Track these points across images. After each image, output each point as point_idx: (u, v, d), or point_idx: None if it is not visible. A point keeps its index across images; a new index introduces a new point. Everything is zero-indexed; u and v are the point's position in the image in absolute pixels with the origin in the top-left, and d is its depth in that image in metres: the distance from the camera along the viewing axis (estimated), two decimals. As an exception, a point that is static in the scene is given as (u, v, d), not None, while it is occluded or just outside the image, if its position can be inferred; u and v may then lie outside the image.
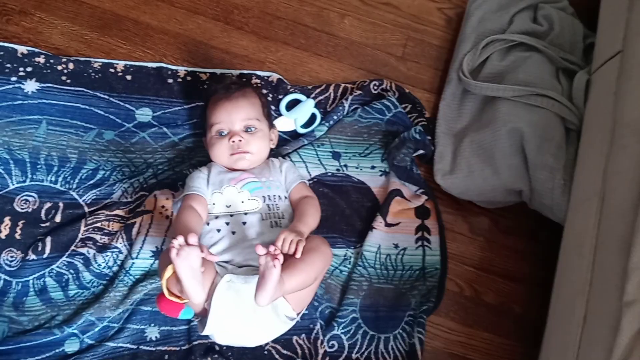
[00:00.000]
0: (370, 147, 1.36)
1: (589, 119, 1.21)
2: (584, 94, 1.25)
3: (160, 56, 1.40)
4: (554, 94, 1.25)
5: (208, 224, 1.12)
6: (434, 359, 1.23)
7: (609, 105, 1.08)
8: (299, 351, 1.17)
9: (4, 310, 1.14)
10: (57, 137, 1.29)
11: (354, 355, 1.19)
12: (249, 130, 1.19)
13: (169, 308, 1.01)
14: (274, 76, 1.40)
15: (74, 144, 1.29)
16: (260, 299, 0.93)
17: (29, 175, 1.25)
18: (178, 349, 1.16)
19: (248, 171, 1.19)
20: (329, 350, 1.18)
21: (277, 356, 1.16)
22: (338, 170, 1.33)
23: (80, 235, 1.21)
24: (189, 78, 1.38)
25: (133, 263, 1.19)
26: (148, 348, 1.16)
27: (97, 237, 1.21)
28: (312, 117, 1.37)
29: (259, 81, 1.39)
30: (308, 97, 1.39)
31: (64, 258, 1.19)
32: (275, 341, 1.14)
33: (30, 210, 1.23)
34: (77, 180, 1.26)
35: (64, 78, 1.33)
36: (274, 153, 1.29)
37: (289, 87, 1.40)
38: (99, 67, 1.35)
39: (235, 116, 1.18)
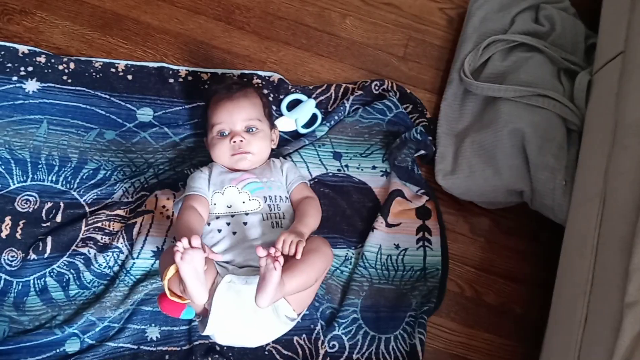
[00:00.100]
0: (372, 147, 1.36)
1: (590, 120, 1.20)
2: (586, 95, 1.24)
3: (162, 56, 1.40)
4: (556, 95, 1.25)
5: (209, 224, 1.12)
6: (434, 360, 1.23)
7: (610, 106, 1.08)
8: (300, 351, 1.17)
9: (4, 310, 1.14)
10: (58, 136, 1.29)
11: (354, 356, 1.18)
12: (250, 130, 1.19)
13: (170, 308, 1.01)
14: (275, 76, 1.40)
15: (75, 144, 1.29)
16: (260, 301, 0.93)
17: (30, 175, 1.25)
18: (179, 349, 1.16)
19: (249, 171, 1.19)
20: (329, 350, 1.18)
21: (277, 356, 1.16)
22: (339, 170, 1.33)
23: (81, 235, 1.21)
24: (190, 78, 1.38)
25: (134, 263, 1.19)
26: (149, 348, 1.16)
27: (98, 237, 1.21)
28: (313, 117, 1.37)
29: (260, 81, 1.39)
30: (309, 97, 1.39)
31: (64, 258, 1.19)
32: (276, 341, 1.14)
33: (31, 210, 1.23)
34: (78, 180, 1.26)
35: (65, 78, 1.33)
36: (275, 153, 1.29)
37: (290, 87, 1.40)
38: (100, 67, 1.35)
39: (237, 116, 1.18)
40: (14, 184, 1.24)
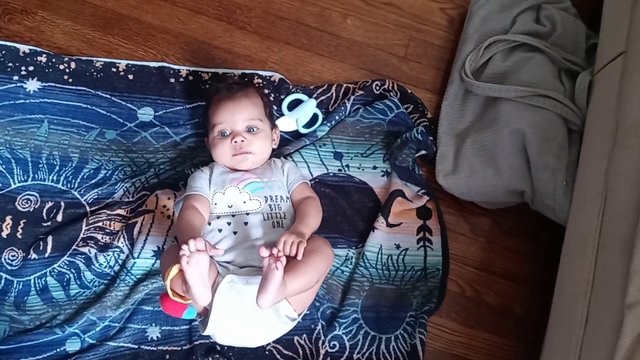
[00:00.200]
0: (372, 147, 1.36)
1: (591, 120, 1.20)
2: (587, 95, 1.24)
3: (162, 56, 1.40)
4: (557, 95, 1.25)
5: (210, 223, 1.12)
6: (435, 360, 1.23)
7: (611, 106, 1.08)
8: (300, 351, 1.17)
9: (5, 310, 1.15)
10: (58, 136, 1.29)
11: (355, 356, 1.19)
12: (252, 130, 1.19)
13: (172, 308, 1.01)
14: (276, 76, 1.40)
15: (75, 144, 1.29)
16: (262, 302, 0.93)
17: (31, 175, 1.25)
18: (179, 348, 1.16)
19: (250, 171, 1.19)
20: (330, 350, 1.18)
21: (278, 356, 1.16)
22: (340, 170, 1.33)
23: (81, 235, 1.21)
24: (191, 78, 1.38)
25: (134, 262, 1.19)
26: (149, 348, 1.16)
27: (99, 236, 1.21)
28: (314, 117, 1.37)
29: (261, 81, 1.39)
30: (310, 97, 1.39)
31: (65, 257, 1.19)
32: (276, 341, 1.14)
33: (31, 209, 1.23)
34: (78, 180, 1.26)
35: (65, 77, 1.33)
36: (275, 153, 1.29)
37: (290, 87, 1.40)
38: (100, 67, 1.35)
39: (238, 116, 1.18)
40: (15, 184, 1.25)
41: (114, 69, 1.36)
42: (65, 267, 1.19)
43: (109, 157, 1.29)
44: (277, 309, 1.04)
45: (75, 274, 1.19)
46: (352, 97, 1.38)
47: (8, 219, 1.21)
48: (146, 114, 1.34)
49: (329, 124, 1.36)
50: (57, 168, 1.27)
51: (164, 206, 1.24)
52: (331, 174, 1.32)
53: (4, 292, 1.16)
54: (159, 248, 1.21)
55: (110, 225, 1.23)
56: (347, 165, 1.34)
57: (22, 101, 1.30)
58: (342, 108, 1.37)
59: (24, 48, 1.34)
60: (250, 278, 1.02)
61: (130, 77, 1.36)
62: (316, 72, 1.44)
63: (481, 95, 1.35)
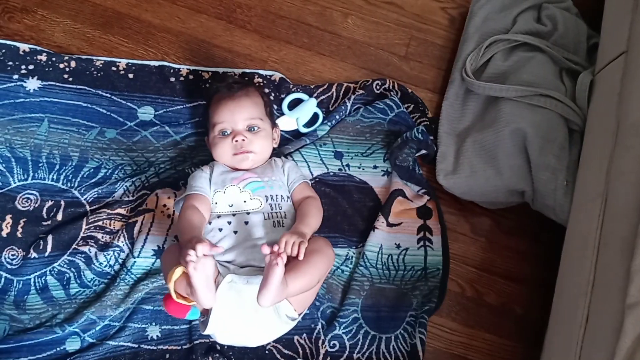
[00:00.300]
0: (373, 146, 1.35)
1: (592, 120, 1.20)
2: (588, 95, 1.24)
3: (163, 54, 1.40)
4: (557, 95, 1.24)
5: (210, 223, 1.12)
6: (435, 360, 1.23)
7: (612, 106, 1.08)
8: (300, 351, 1.17)
9: (5, 309, 1.15)
10: (58, 135, 1.29)
11: (355, 355, 1.18)
12: (252, 129, 1.19)
13: (176, 310, 1.01)
14: (277, 75, 1.40)
15: (75, 142, 1.29)
16: (262, 300, 0.93)
17: (31, 174, 1.25)
18: (179, 348, 1.16)
19: (250, 171, 1.18)
20: (330, 350, 1.18)
21: (278, 356, 1.16)
22: (340, 169, 1.33)
23: (81, 234, 1.21)
24: (191, 77, 1.38)
25: (134, 262, 1.19)
26: (149, 347, 1.16)
27: (99, 235, 1.21)
28: (314, 117, 1.37)
29: (261, 80, 1.39)
30: (310, 96, 1.38)
31: (65, 256, 1.19)
32: (276, 341, 1.14)
33: (31, 208, 1.23)
34: (78, 179, 1.26)
35: (65, 76, 1.33)
36: (276, 152, 1.29)
37: (291, 86, 1.39)
38: (101, 66, 1.35)
39: (239, 115, 1.18)
40: (15, 183, 1.24)
41: (114, 68, 1.36)
42: (65, 266, 1.19)
43: (109, 156, 1.29)
44: (277, 308, 1.04)
45: (75, 273, 1.19)
46: (353, 97, 1.37)
47: (8, 218, 1.21)
48: (146, 113, 1.34)
49: (329, 124, 1.36)
50: (57, 167, 1.26)
51: (164, 205, 1.24)
52: (331, 174, 1.32)
53: (4, 291, 1.16)
54: (159, 247, 1.21)
55: (110, 225, 1.23)
56: (348, 165, 1.33)
57: (22, 100, 1.30)
58: (343, 107, 1.36)
59: (24, 47, 1.34)
60: (250, 278, 1.02)
61: (131, 76, 1.36)
62: (317, 72, 1.44)
63: (482, 94, 1.34)
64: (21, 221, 1.21)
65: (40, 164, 1.26)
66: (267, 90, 1.37)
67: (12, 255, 1.19)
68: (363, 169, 1.34)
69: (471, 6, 1.47)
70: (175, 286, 0.96)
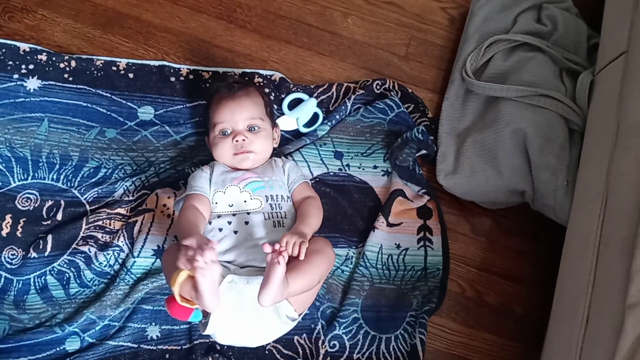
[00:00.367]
0: (373, 146, 1.35)
1: (592, 120, 1.20)
2: (588, 95, 1.24)
3: (163, 54, 1.40)
4: (558, 95, 1.24)
5: (210, 223, 1.12)
6: (435, 360, 1.23)
7: (613, 106, 1.08)
8: (300, 351, 1.17)
9: (4, 308, 1.14)
10: (59, 135, 1.29)
11: (355, 356, 1.18)
12: (253, 129, 1.19)
13: (180, 313, 1.00)
14: (277, 75, 1.40)
15: (75, 142, 1.29)
16: (263, 299, 0.93)
17: (31, 173, 1.25)
18: (179, 348, 1.16)
19: (251, 170, 1.18)
20: (330, 350, 1.18)
21: (278, 356, 1.16)
22: (340, 169, 1.33)
23: (81, 234, 1.21)
24: (191, 76, 1.38)
25: (134, 262, 1.19)
26: (149, 347, 1.16)
27: (99, 235, 1.21)
28: (315, 117, 1.37)
29: (261, 80, 1.39)
30: (310, 96, 1.38)
31: (65, 256, 1.19)
32: (276, 341, 1.14)
33: (31, 208, 1.23)
34: (78, 179, 1.26)
35: (66, 76, 1.33)
36: (276, 152, 1.29)
37: (291, 86, 1.39)
38: (101, 65, 1.35)
39: (239, 115, 1.18)
40: (15, 182, 1.24)
41: (114, 68, 1.36)
42: (65, 266, 1.19)
43: (109, 156, 1.29)
44: (277, 308, 1.03)
45: (75, 273, 1.19)
46: (353, 97, 1.37)
47: (8, 218, 1.21)
48: (146, 112, 1.34)
49: (329, 124, 1.36)
50: (57, 167, 1.26)
51: (164, 205, 1.24)
52: (331, 174, 1.32)
53: (3, 291, 1.16)
54: (159, 247, 1.21)
55: (110, 224, 1.22)
56: (348, 165, 1.33)
57: (22, 100, 1.30)
58: (343, 107, 1.36)
59: (24, 46, 1.34)
60: (251, 278, 1.02)
61: (131, 75, 1.36)
62: (317, 72, 1.44)
63: (482, 94, 1.34)
64: (21, 221, 1.21)
65: (40, 164, 1.26)
66: (267, 90, 1.37)
67: (12, 255, 1.19)
68: (363, 169, 1.34)
69: (471, 6, 1.47)
70: (180, 290, 0.96)
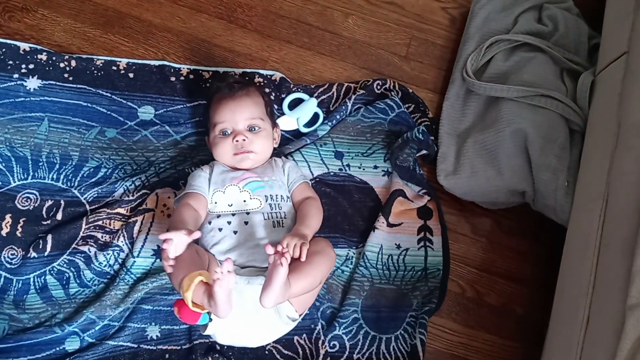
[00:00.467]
0: (373, 146, 1.35)
1: (593, 120, 1.20)
2: (589, 95, 1.24)
3: (163, 54, 1.40)
4: (558, 95, 1.24)
5: (210, 222, 1.12)
6: (435, 360, 1.23)
7: (613, 107, 1.08)
8: (300, 351, 1.17)
9: (4, 308, 1.14)
10: (59, 134, 1.29)
11: (355, 356, 1.18)
12: (253, 129, 1.19)
13: (190, 317, 1.00)
14: (277, 75, 1.40)
15: (75, 142, 1.29)
16: (265, 300, 0.93)
17: (31, 173, 1.25)
18: (179, 348, 1.16)
19: (251, 170, 1.18)
20: (330, 350, 1.18)
21: (278, 356, 1.16)
22: (340, 169, 1.33)
23: (81, 234, 1.21)
24: (191, 76, 1.38)
25: (134, 261, 1.19)
26: (149, 347, 1.15)
27: (99, 235, 1.21)
28: (315, 117, 1.37)
29: (261, 80, 1.39)
30: (311, 96, 1.38)
31: (65, 256, 1.19)
32: (276, 341, 1.14)
33: (31, 207, 1.23)
34: (78, 178, 1.26)
35: (66, 75, 1.33)
36: (276, 152, 1.28)
37: (291, 86, 1.39)
38: (101, 65, 1.35)
39: (239, 115, 1.18)
40: (15, 182, 1.24)
41: (114, 67, 1.35)
42: (64, 265, 1.18)
43: (109, 156, 1.29)
44: (278, 309, 1.03)
45: (75, 273, 1.18)
46: (353, 97, 1.37)
47: (8, 217, 1.21)
48: (147, 112, 1.33)
49: (329, 123, 1.36)
50: (57, 166, 1.26)
51: (164, 205, 1.23)
52: (332, 174, 1.32)
53: (3, 291, 1.16)
54: (159, 247, 1.20)
55: (110, 224, 1.22)
56: (348, 165, 1.33)
57: (22, 99, 1.30)
58: (343, 107, 1.36)
59: (24, 46, 1.34)
60: (252, 278, 1.02)
61: (131, 75, 1.35)
62: (317, 71, 1.44)
63: (483, 95, 1.34)
64: (21, 220, 1.21)
65: (40, 163, 1.26)
66: (267, 90, 1.36)
67: (12, 254, 1.19)
68: (363, 169, 1.33)
69: (472, 6, 1.47)
70: (192, 296, 0.95)
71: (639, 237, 0.87)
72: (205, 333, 1.04)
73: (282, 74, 1.40)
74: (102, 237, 1.21)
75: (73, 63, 1.34)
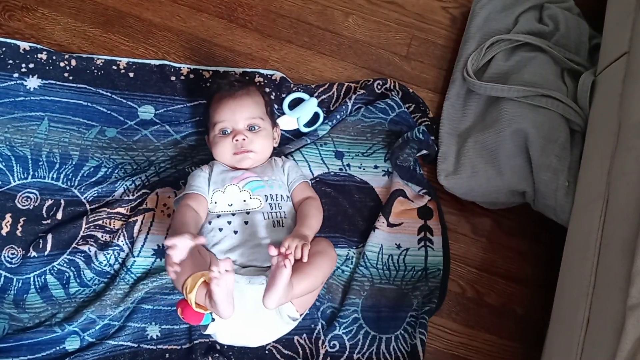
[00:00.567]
0: (374, 146, 1.35)
1: (594, 121, 1.20)
2: (589, 95, 1.24)
3: (163, 53, 1.40)
4: (559, 95, 1.24)
5: (210, 222, 1.11)
6: (435, 360, 1.23)
7: (614, 107, 1.08)
8: (300, 351, 1.17)
9: (4, 308, 1.14)
10: (59, 134, 1.28)
11: (355, 356, 1.18)
12: (253, 129, 1.19)
13: (193, 318, 1.00)
14: (277, 74, 1.39)
15: (76, 141, 1.29)
16: (268, 301, 0.93)
17: (31, 172, 1.25)
18: (179, 347, 1.16)
19: (250, 170, 1.18)
20: (330, 350, 1.18)
21: (278, 356, 1.16)
22: (341, 169, 1.33)
23: (81, 233, 1.20)
24: (191, 76, 1.38)
25: (134, 261, 1.19)
26: (149, 346, 1.15)
27: (99, 234, 1.21)
28: (315, 116, 1.37)
29: (262, 79, 1.38)
30: (311, 96, 1.38)
31: (65, 255, 1.19)
32: (276, 341, 1.14)
33: (31, 207, 1.23)
34: (78, 178, 1.26)
35: (66, 75, 1.33)
36: (276, 152, 1.28)
37: (292, 85, 1.39)
38: (101, 64, 1.35)
39: (239, 115, 1.18)
40: (15, 181, 1.24)
41: (114, 67, 1.35)
42: (65, 265, 1.18)
43: (109, 155, 1.29)
44: (279, 309, 1.03)
45: (75, 272, 1.18)
46: (354, 96, 1.37)
47: (8, 217, 1.21)
48: (147, 112, 1.33)
49: (330, 123, 1.36)
50: (57, 166, 1.26)
51: (164, 204, 1.23)
52: (332, 173, 1.32)
53: (3, 290, 1.16)
54: (159, 247, 1.20)
55: (110, 224, 1.22)
56: (348, 165, 1.33)
57: (22, 98, 1.30)
58: (344, 107, 1.36)
59: (24, 45, 1.34)
60: (253, 278, 1.02)
61: (131, 75, 1.35)
62: (317, 71, 1.43)
63: (483, 95, 1.34)
64: (21, 220, 1.21)
65: (40, 163, 1.26)
66: (267, 90, 1.36)
67: (12, 254, 1.19)
68: (364, 169, 1.33)
69: (473, 6, 1.47)
70: (195, 297, 0.96)
71: (639, 238, 0.87)
72: (206, 333, 1.04)
73: (283, 73, 1.40)
74: (102, 236, 1.21)
75: (73, 62, 1.34)
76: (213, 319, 1.03)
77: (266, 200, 1.14)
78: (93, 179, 1.26)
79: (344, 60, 1.45)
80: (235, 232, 1.09)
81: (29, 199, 1.23)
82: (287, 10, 1.48)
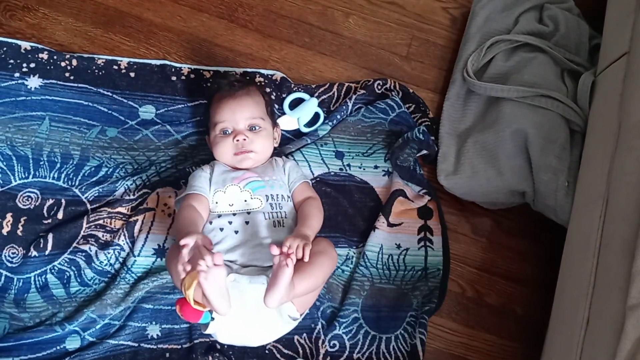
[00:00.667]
0: (374, 146, 1.35)
1: (594, 121, 1.20)
2: (589, 96, 1.24)
3: (164, 53, 1.40)
4: (559, 95, 1.24)
5: (211, 222, 1.12)
6: (435, 360, 1.23)
7: (614, 107, 1.08)
8: (300, 351, 1.17)
9: (5, 307, 1.14)
10: (60, 133, 1.29)
11: (355, 355, 1.18)
12: (253, 129, 1.19)
13: (192, 315, 1.00)
14: (278, 75, 1.40)
15: (76, 141, 1.29)
16: (269, 301, 0.93)
17: (32, 172, 1.25)
18: (179, 347, 1.16)
19: (251, 170, 1.18)
20: (330, 350, 1.18)
21: (278, 355, 1.16)
22: (341, 169, 1.33)
23: (82, 232, 1.21)
24: (192, 76, 1.38)
25: (135, 261, 1.19)
26: (149, 346, 1.16)
27: (99, 234, 1.21)
28: (316, 116, 1.37)
29: (262, 80, 1.39)
30: (312, 96, 1.38)
31: (65, 255, 1.19)
32: (276, 340, 1.14)
33: (32, 206, 1.23)
34: (79, 177, 1.26)
35: (67, 74, 1.33)
36: (277, 152, 1.28)
37: (292, 85, 1.39)
38: (102, 64, 1.35)
39: (240, 115, 1.18)
40: (16, 181, 1.24)
41: (115, 67, 1.36)
42: (65, 264, 1.19)
43: (110, 155, 1.29)
44: (280, 308, 1.04)
45: (76, 272, 1.19)
46: (354, 97, 1.37)
47: (9, 216, 1.21)
48: (148, 111, 1.34)
49: (330, 123, 1.36)
50: (58, 165, 1.26)
51: (165, 204, 1.24)
52: (332, 173, 1.32)
53: (4, 290, 1.16)
54: (160, 246, 1.21)
55: (110, 223, 1.23)
56: (349, 165, 1.33)
57: (23, 98, 1.30)
58: (344, 107, 1.36)
59: (25, 45, 1.34)
60: (253, 277, 1.02)
61: (132, 74, 1.36)
62: (318, 71, 1.44)
63: (483, 95, 1.34)
64: (22, 219, 1.21)
65: (41, 163, 1.26)
66: (268, 90, 1.37)
67: (13, 253, 1.19)
68: (364, 169, 1.34)
69: (473, 6, 1.47)
70: (193, 294, 0.96)
71: (639, 238, 0.87)
72: (206, 332, 1.04)
73: (283, 73, 1.40)
74: (102, 236, 1.21)
75: (74, 62, 1.34)
76: (213, 318, 1.03)
77: (267, 200, 1.14)
78: (94, 179, 1.26)
79: (345, 61, 1.45)
80: (236, 232, 1.10)
81: (29, 199, 1.24)
82: (287, 10, 1.48)
